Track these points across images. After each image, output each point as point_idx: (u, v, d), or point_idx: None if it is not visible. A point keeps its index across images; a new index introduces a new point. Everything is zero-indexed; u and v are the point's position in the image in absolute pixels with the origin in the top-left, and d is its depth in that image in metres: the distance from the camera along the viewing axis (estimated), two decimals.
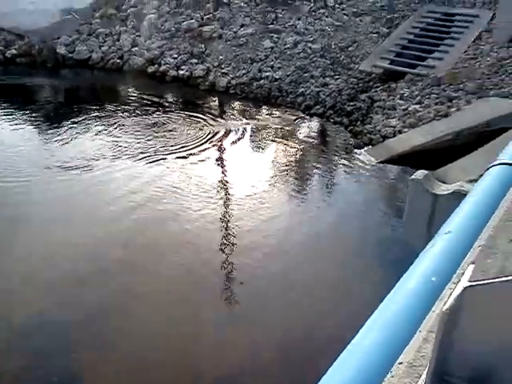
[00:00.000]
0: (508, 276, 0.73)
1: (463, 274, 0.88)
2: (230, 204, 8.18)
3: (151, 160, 9.55)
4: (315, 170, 9.59)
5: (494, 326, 0.79)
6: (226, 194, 8.53)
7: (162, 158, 9.64)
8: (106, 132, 10.99)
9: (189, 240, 7.10)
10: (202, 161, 9.70)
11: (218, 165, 9.76)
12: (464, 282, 0.80)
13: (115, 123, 11.45)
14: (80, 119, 11.69)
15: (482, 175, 3.20)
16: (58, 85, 14.87)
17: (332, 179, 9.34)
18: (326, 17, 15.36)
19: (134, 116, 11.99)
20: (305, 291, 6.19)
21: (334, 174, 9.55)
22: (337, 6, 15.89)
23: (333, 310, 5.86)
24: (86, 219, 7.61)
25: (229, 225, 7.55)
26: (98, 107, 12.54)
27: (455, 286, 0.80)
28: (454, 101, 10.47)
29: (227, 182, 9.06)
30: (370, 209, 8.21)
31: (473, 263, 0.90)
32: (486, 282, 0.78)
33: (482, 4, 14.54)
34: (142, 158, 9.59)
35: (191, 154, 9.87)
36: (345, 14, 15.41)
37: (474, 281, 0.79)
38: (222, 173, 9.47)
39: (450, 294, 0.79)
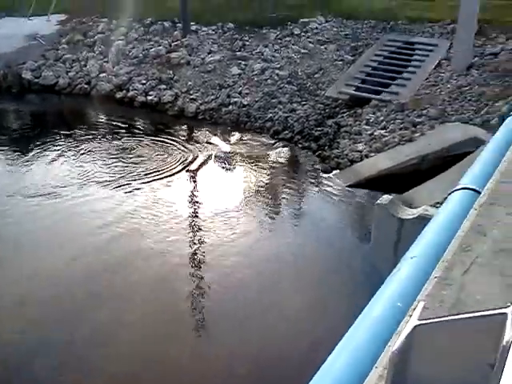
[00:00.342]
0: (457, 314, 0.74)
1: (415, 309, 0.89)
2: (200, 229, 8.12)
3: (120, 187, 9.42)
4: (284, 195, 9.64)
5: (445, 365, 0.79)
6: (195, 220, 8.47)
7: (132, 185, 9.51)
8: (73, 158, 10.84)
9: (160, 269, 6.98)
10: (172, 187, 9.64)
11: (188, 191, 9.73)
12: (414, 321, 0.79)
13: (83, 149, 11.32)
14: (46, 145, 11.51)
15: (446, 197, 3.27)
16: (24, 110, 14.63)
17: (301, 203, 9.41)
18: (293, 44, 15.69)
19: (102, 141, 11.88)
20: (277, 314, 6.14)
21: (303, 198, 9.62)
22: (302, 34, 16.27)
23: (303, 332, 5.82)
24: (47, 250, 7.39)
25: (200, 250, 7.48)
26: (65, 132, 12.38)
27: (405, 325, 0.80)
28: (417, 126, 10.77)
29: (197, 207, 9.02)
30: (338, 232, 8.28)
31: (423, 300, 0.90)
32: (435, 320, 0.77)
33: (440, 34, 15.16)
34: (111, 185, 9.45)
35: (161, 180, 9.79)
36: (310, 41, 15.78)
37: (424, 319, 0.78)
38: (192, 198, 9.44)
39: (400, 333, 0.79)
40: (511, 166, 1.79)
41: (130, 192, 9.25)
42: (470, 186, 3.00)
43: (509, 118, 4.39)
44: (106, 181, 9.62)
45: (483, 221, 1.38)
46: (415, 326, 0.78)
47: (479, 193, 2.50)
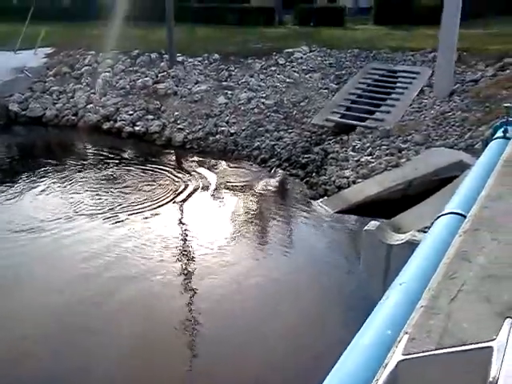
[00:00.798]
0: (442, 348, 0.72)
1: (400, 342, 0.87)
2: (191, 259, 8.04)
3: (108, 219, 9.27)
4: (273, 223, 9.61)
5: None
6: (184, 250, 8.39)
7: (120, 217, 9.38)
8: (60, 190, 10.75)
9: (148, 299, 6.87)
10: (160, 218, 9.50)
11: (176, 221, 9.64)
12: (398, 355, 0.77)
13: (70, 180, 11.26)
14: (33, 177, 11.44)
15: (433, 222, 3.27)
16: (11, 142, 14.60)
17: (290, 231, 9.37)
18: (278, 74, 15.94)
19: (90, 173, 11.84)
20: (266, 343, 6.04)
21: (292, 225, 9.60)
22: (287, 63, 16.56)
23: (293, 358, 5.72)
24: (30, 288, 7.23)
25: (191, 280, 7.39)
26: (52, 164, 12.35)
27: (389, 360, 0.78)
28: (403, 151, 10.89)
29: (186, 238, 8.94)
30: (328, 259, 8.24)
31: (407, 333, 0.89)
32: (419, 355, 0.76)
33: (421, 62, 15.52)
34: (98, 218, 9.31)
35: (149, 211, 9.68)
36: (295, 71, 16.04)
37: (408, 354, 0.77)
38: (180, 229, 9.36)
39: (386, 365, 0.77)
40: (494, 190, 1.81)
41: (118, 224, 9.09)
42: (457, 211, 3.01)
43: (492, 142, 4.45)
44: (94, 214, 9.48)
45: (468, 247, 1.37)
46: (399, 361, 0.76)
47: (465, 217, 2.51)
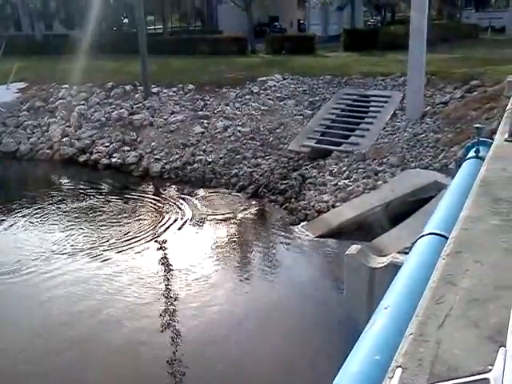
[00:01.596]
0: (437, 382, 0.71)
1: (392, 377, 0.86)
2: (169, 292, 7.91)
3: (85, 256, 9.01)
4: (255, 251, 9.56)
5: None
6: (167, 288, 8.25)
7: (99, 255, 9.08)
8: (37, 226, 10.50)
9: (132, 335, 6.70)
10: (139, 251, 9.27)
11: (158, 256, 9.36)
12: None
13: (47, 215, 11.03)
14: (8, 214, 11.17)
15: (414, 243, 3.30)
16: None
17: (272, 258, 9.32)
18: (253, 102, 16.13)
19: (67, 207, 11.61)
20: (252, 369, 5.93)
21: (274, 252, 9.55)
22: (261, 91, 16.78)
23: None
24: (8, 328, 7.00)
25: (175, 321, 7.25)
26: (28, 199, 12.12)
27: None
28: (379, 174, 11.05)
29: (168, 273, 8.76)
30: (311, 284, 8.20)
31: (399, 366, 0.88)
32: None
33: (392, 86, 15.93)
34: (76, 256, 9.03)
35: (129, 247, 9.39)
36: (269, 98, 16.27)
37: None
38: (164, 265, 9.12)
39: None
40: (473, 211, 1.84)
41: (98, 263, 8.76)
42: (436, 231, 3.05)
43: (465, 163, 4.55)
44: (70, 252, 9.15)
45: (452, 270, 1.38)
46: None
47: (444, 237, 2.53)
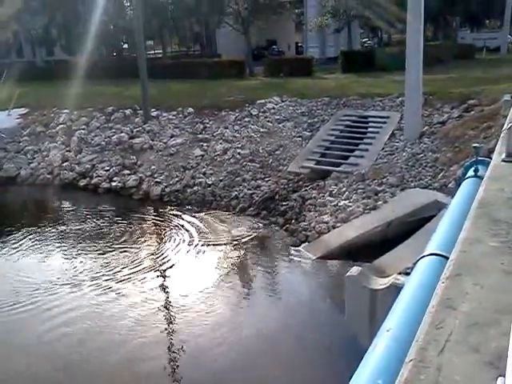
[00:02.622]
0: None
1: None
2: (173, 315, 7.85)
3: (87, 286, 8.80)
4: (256, 274, 9.51)
5: None
6: (168, 308, 8.19)
7: (102, 284, 8.86)
8: (37, 254, 10.38)
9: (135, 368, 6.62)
10: (144, 282, 9.06)
11: (162, 284, 9.20)
12: None
13: (47, 242, 10.97)
14: (8, 240, 11.11)
15: (415, 264, 3.29)
16: None
17: (273, 280, 9.27)
18: (252, 124, 16.24)
19: (68, 233, 11.55)
20: None
21: (275, 275, 9.50)
22: (260, 114, 16.92)
23: None
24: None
25: (176, 335, 7.18)
26: (28, 225, 12.07)
27: None
28: (379, 194, 11.06)
29: (170, 294, 8.70)
30: (313, 306, 8.14)
31: None
32: None
33: (390, 107, 16.06)
34: (77, 285, 8.85)
35: (132, 275, 9.21)
36: (268, 121, 16.39)
37: None
38: (164, 286, 9.05)
39: None
40: (471, 233, 1.84)
41: (101, 293, 8.55)
42: (437, 252, 3.04)
43: (464, 182, 4.56)
44: (73, 282, 8.91)
45: (452, 294, 1.38)
46: None
47: (445, 257, 2.53)
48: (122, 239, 11.01)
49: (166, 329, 7.54)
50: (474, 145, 4.74)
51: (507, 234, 1.71)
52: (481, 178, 3.99)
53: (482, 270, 1.49)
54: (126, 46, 37.51)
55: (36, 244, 10.90)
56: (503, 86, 13.72)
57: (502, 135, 3.69)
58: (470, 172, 4.50)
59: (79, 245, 10.83)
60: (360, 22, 31.54)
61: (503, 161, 3.00)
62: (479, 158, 4.46)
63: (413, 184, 11.20)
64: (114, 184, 14.39)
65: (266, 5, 26.39)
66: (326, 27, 29.84)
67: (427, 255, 3.14)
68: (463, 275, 1.46)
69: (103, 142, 16.34)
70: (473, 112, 13.76)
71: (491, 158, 3.80)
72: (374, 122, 15.17)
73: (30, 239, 11.14)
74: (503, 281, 1.26)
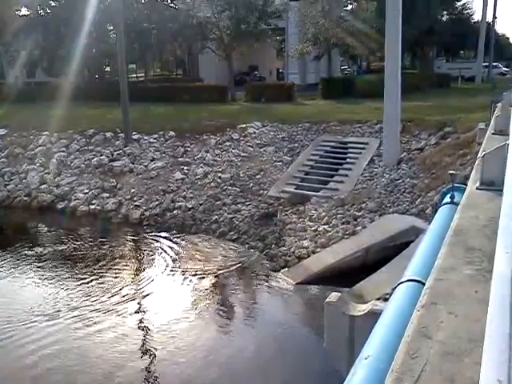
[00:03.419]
0: None
1: None
2: (151, 344, 7.69)
3: (62, 317, 8.45)
4: (235, 300, 9.41)
5: None
6: (146, 337, 8.03)
7: (73, 312, 8.56)
8: (8, 281, 10.06)
9: None
10: (121, 311, 8.83)
11: (140, 312, 8.97)
12: None
13: (21, 269, 10.64)
14: None
15: (393, 289, 3.30)
16: None
17: (253, 306, 9.19)
18: (233, 149, 16.33)
19: (43, 259, 11.25)
20: None
21: (255, 301, 9.42)
22: (241, 138, 17.03)
23: None
24: None
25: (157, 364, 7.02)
26: (1, 248, 11.79)
27: None
28: (358, 219, 11.15)
29: (150, 330, 8.48)
30: (292, 332, 8.07)
31: None
32: None
33: (369, 133, 16.34)
34: (52, 317, 8.45)
35: (107, 305, 8.94)
36: (249, 145, 16.50)
37: None
38: (146, 322, 8.76)
39: None
40: (446, 261, 1.86)
41: (78, 326, 8.17)
42: (414, 278, 3.06)
43: (441, 208, 4.62)
44: (48, 314, 8.48)
45: (427, 322, 1.39)
46: None
47: (423, 284, 2.54)
48: (97, 266, 10.73)
49: (141, 361, 7.38)
50: (451, 172, 4.83)
51: (481, 262, 1.74)
52: (457, 204, 4.06)
53: (457, 298, 1.51)
54: (108, 68, 37.59)
55: (9, 269, 10.61)
56: (478, 115, 14.07)
57: (476, 163, 3.78)
58: (447, 198, 4.58)
59: (53, 271, 10.51)
60: (340, 49, 32.25)
61: (477, 188, 3.07)
62: (455, 185, 4.54)
63: (391, 209, 11.33)
64: (92, 207, 14.22)
65: (248, 32, 26.83)
66: (306, 54, 30.42)
67: (405, 281, 3.16)
68: (438, 304, 1.48)
69: (83, 165, 16.19)
70: (449, 139, 14.08)
71: (467, 185, 3.87)
72: (353, 147, 15.40)
73: (1, 264, 10.85)
74: (477, 309, 1.27)
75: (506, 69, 46.85)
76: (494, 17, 39.40)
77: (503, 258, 1.14)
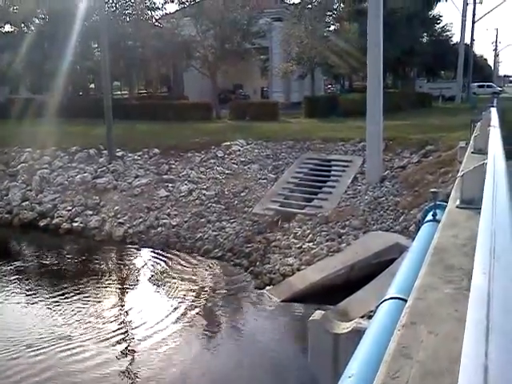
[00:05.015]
0: None
1: None
2: (136, 363, 7.57)
3: (37, 339, 8.19)
4: (219, 318, 9.35)
5: None
6: (131, 354, 7.91)
7: (53, 335, 8.28)
8: None
9: None
10: (102, 324, 8.83)
11: (120, 325, 8.91)
12: None
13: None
14: None
15: (377, 307, 3.32)
16: None
17: (237, 324, 9.13)
18: (217, 166, 16.36)
19: (23, 280, 11.05)
20: None
21: (239, 319, 9.36)
22: (226, 156, 17.08)
23: None
24: None
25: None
26: None
27: None
28: (343, 237, 11.21)
29: (132, 340, 8.41)
30: (276, 350, 8.03)
31: None
32: None
33: (352, 151, 16.53)
34: (30, 349, 8.06)
35: (87, 323, 8.84)
36: (234, 163, 16.55)
37: None
38: (126, 332, 8.75)
39: None
40: (426, 280, 1.89)
41: (50, 344, 8.03)
42: (397, 296, 3.08)
43: (423, 226, 4.68)
44: (29, 343, 8.12)
45: (407, 342, 1.40)
46: None
47: (406, 301, 2.57)
48: (77, 285, 10.55)
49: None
50: (432, 190, 4.91)
51: (461, 281, 1.77)
52: (439, 222, 4.12)
53: (437, 317, 1.53)
54: (92, 85, 37.53)
55: None
56: (459, 134, 14.36)
57: (456, 181, 3.85)
58: (429, 216, 4.64)
59: (32, 290, 10.31)
60: (323, 69, 32.71)
61: (457, 207, 3.12)
62: (437, 203, 4.61)
63: (375, 227, 11.42)
64: (75, 225, 14.06)
65: (233, 51, 27.10)
66: (290, 73, 30.78)
67: (388, 299, 3.19)
68: (418, 323, 1.50)
69: (66, 182, 16.05)
70: (431, 157, 14.31)
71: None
72: (336, 165, 15.54)
73: None
74: (457, 329, 1.30)
75: (500, 88, 48.53)
76: (472, 39, 40.43)
77: (480, 279, 1.17)
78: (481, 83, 46.30)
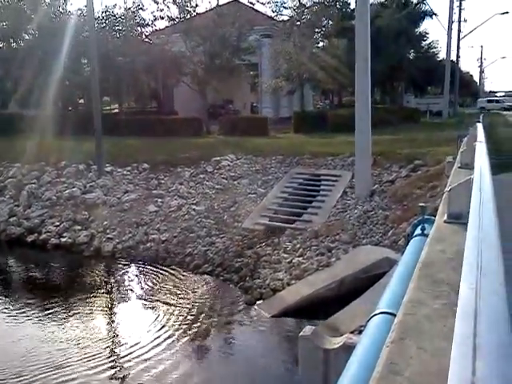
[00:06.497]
0: None
1: None
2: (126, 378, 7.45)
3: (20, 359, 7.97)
4: (209, 333, 9.24)
5: None
6: (119, 371, 7.79)
7: (38, 358, 8.04)
8: None
9: None
10: (82, 340, 8.72)
11: (110, 343, 8.77)
12: None
13: None
14: None
15: (367, 322, 3.32)
16: None
17: (227, 340, 9.05)
18: (207, 181, 16.36)
19: (7, 295, 10.91)
20: None
21: (229, 334, 9.27)
22: (215, 171, 17.11)
23: None
24: None
25: None
26: None
27: None
28: (332, 251, 11.22)
29: (118, 355, 8.31)
30: (266, 366, 7.95)
31: None
32: None
33: (341, 166, 16.64)
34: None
35: (76, 344, 8.62)
36: (223, 177, 16.57)
37: None
38: (109, 347, 8.67)
39: None
40: (414, 295, 1.90)
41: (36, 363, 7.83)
42: (387, 310, 3.09)
43: (412, 240, 4.70)
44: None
45: (396, 358, 1.41)
46: None
47: (395, 316, 2.57)
48: (64, 301, 10.42)
49: None
50: (421, 204, 4.94)
51: (449, 296, 1.78)
52: (427, 236, 4.15)
53: (426, 333, 1.54)
54: (82, 101, 37.44)
55: None
56: (447, 149, 14.52)
57: (444, 196, 3.89)
58: (418, 230, 4.67)
59: (17, 308, 10.13)
60: (312, 85, 33.00)
61: (445, 222, 3.15)
62: (425, 217, 4.65)
63: (364, 241, 11.45)
64: (63, 240, 13.92)
65: (222, 66, 27.27)
66: (279, 89, 31.01)
67: (378, 313, 3.19)
68: (407, 339, 1.50)
69: (54, 197, 15.93)
70: (419, 172, 14.44)
71: None
72: (326, 180, 15.62)
73: None
74: (446, 344, 1.30)
75: (510, 104, 49.43)
76: (458, 56, 41.22)
77: (467, 294, 1.18)
78: (490, 98, 47.59)
